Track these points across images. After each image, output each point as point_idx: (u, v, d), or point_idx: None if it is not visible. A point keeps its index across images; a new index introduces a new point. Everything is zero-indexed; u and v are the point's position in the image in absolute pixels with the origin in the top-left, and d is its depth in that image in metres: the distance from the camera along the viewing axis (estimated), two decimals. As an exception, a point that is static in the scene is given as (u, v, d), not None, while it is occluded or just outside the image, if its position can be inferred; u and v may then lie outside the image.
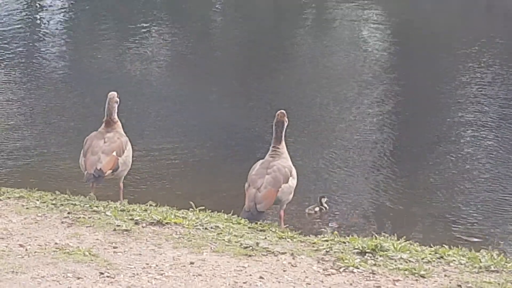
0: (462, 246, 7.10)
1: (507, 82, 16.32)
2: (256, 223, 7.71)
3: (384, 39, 20.32)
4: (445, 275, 6.34)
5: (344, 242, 7.02)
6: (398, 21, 22.16)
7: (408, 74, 17.31)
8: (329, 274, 6.35)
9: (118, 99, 8.77)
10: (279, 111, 8.44)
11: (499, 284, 6.15)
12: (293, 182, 8.20)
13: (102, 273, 6.28)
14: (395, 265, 6.48)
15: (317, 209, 10.74)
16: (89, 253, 6.62)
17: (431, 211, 10.84)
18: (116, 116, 8.76)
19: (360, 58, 18.67)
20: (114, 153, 8.49)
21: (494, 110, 14.70)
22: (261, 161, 8.33)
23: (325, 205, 10.72)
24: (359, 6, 23.18)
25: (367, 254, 6.67)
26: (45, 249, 6.76)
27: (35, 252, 6.70)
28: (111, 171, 8.47)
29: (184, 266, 6.47)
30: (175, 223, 7.44)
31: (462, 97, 15.49)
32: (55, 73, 17.26)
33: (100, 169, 8.36)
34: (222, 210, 8.13)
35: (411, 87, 16.43)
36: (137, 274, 6.31)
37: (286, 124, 8.41)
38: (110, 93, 8.81)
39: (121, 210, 7.84)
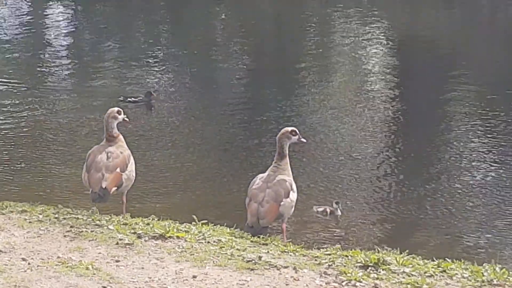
0: (465, 260, 7.08)
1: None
2: (259, 237, 7.70)
3: (388, 53, 20.34)
4: (448, 289, 6.33)
5: (347, 256, 7.00)
6: (401, 35, 22.16)
7: (412, 87, 17.31)
8: (331, 288, 6.34)
9: (117, 115, 8.70)
10: (284, 129, 8.33)
11: (501, 297, 6.14)
12: (293, 196, 8.14)
13: (104, 287, 6.28)
14: (398, 279, 6.46)
15: (322, 209, 10.79)
16: (92, 267, 6.62)
17: (433, 224, 10.84)
18: (116, 131, 8.72)
19: (364, 71, 18.70)
20: (118, 170, 8.43)
21: (500, 125, 14.68)
22: (261, 175, 8.24)
23: (339, 210, 10.79)
24: (361, 20, 23.22)
25: (369, 268, 6.66)
26: (48, 263, 6.75)
27: (38, 266, 6.69)
28: (116, 188, 8.44)
29: (186, 279, 6.46)
30: (178, 236, 7.42)
31: (468, 111, 15.49)
32: (57, 86, 17.27)
33: (105, 187, 8.33)
34: (225, 224, 8.11)
35: (417, 101, 16.42)
36: (140, 288, 6.31)
37: (290, 142, 8.15)
38: (109, 110, 8.79)
39: (123, 224, 7.83)
